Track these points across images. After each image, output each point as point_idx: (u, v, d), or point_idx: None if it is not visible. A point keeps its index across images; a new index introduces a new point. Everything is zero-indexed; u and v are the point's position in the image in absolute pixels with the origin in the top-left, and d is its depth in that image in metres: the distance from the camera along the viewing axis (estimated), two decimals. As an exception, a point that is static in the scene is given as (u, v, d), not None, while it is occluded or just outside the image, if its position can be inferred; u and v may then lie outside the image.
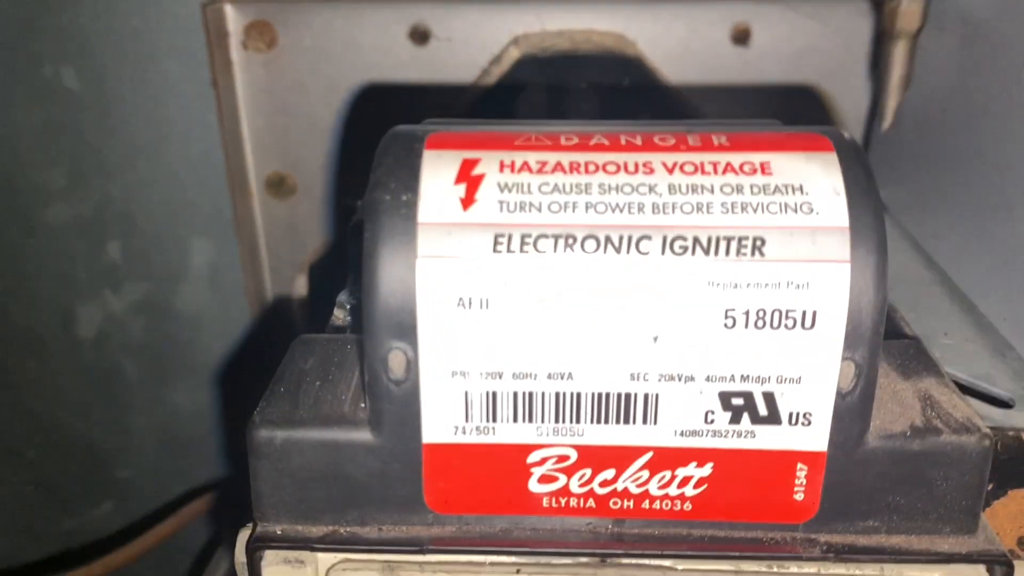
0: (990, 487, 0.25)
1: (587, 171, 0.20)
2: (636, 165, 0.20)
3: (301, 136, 0.50)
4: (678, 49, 0.47)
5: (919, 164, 0.34)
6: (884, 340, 0.20)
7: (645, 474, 0.21)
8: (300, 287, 0.55)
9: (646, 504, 0.21)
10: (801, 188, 0.20)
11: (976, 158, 0.31)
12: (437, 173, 0.20)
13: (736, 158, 0.20)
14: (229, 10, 0.47)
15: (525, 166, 0.20)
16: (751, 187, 0.20)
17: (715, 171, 0.20)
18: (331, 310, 0.28)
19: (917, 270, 0.32)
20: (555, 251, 0.19)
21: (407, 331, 0.19)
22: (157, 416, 0.58)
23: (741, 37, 0.47)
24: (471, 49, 0.48)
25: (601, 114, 0.48)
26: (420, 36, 0.47)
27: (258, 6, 0.47)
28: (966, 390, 0.26)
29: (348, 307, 0.28)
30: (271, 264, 0.54)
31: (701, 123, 0.23)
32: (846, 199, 0.19)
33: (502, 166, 0.20)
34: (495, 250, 0.19)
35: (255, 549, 0.21)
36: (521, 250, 0.19)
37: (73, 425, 0.59)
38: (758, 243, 0.19)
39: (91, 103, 0.50)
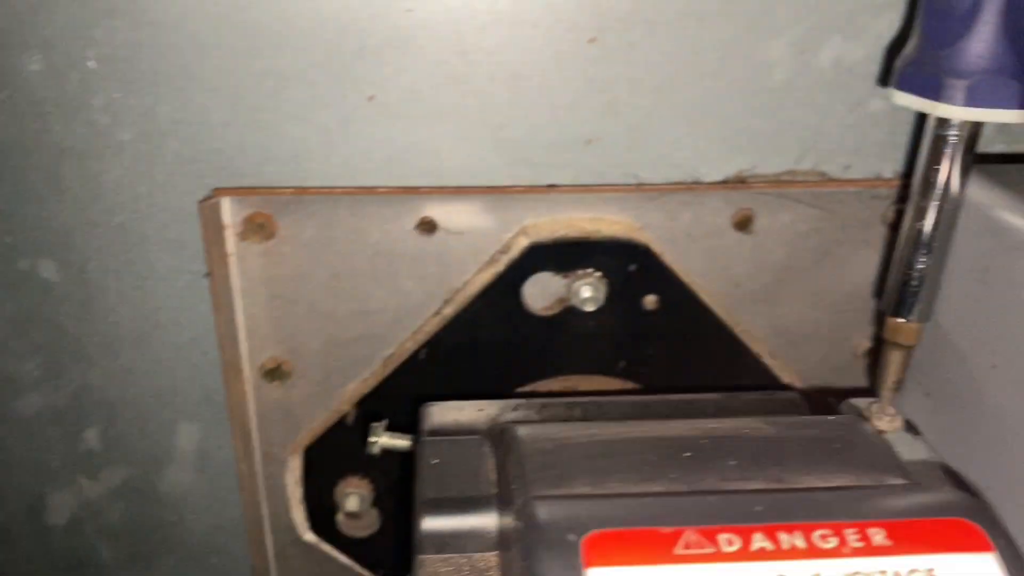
0: None
1: (756, 587, 0.20)
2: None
3: (299, 322, 0.49)
4: (683, 236, 0.48)
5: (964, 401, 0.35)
6: None
7: None
8: (294, 468, 0.53)
9: None
10: (970, 600, 0.20)
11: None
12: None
13: (900, 564, 0.20)
14: (226, 203, 0.45)
15: (693, 586, 0.19)
16: (921, 601, 0.20)
17: (879, 577, 0.20)
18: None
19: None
20: None
21: None
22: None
23: (743, 223, 0.48)
24: (479, 238, 0.47)
25: (608, 297, 0.48)
26: (427, 227, 0.46)
27: (259, 199, 0.45)
28: None
29: None
30: (262, 447, 0.52)
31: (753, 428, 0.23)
32: (1013, 608, 0.20)
33: (670, 589, 0.19)
34: None
35: None
36: None
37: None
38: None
39: (70, 294, 0.47)
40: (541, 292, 0.48)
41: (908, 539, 0.20)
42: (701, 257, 0.48)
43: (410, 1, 0.41)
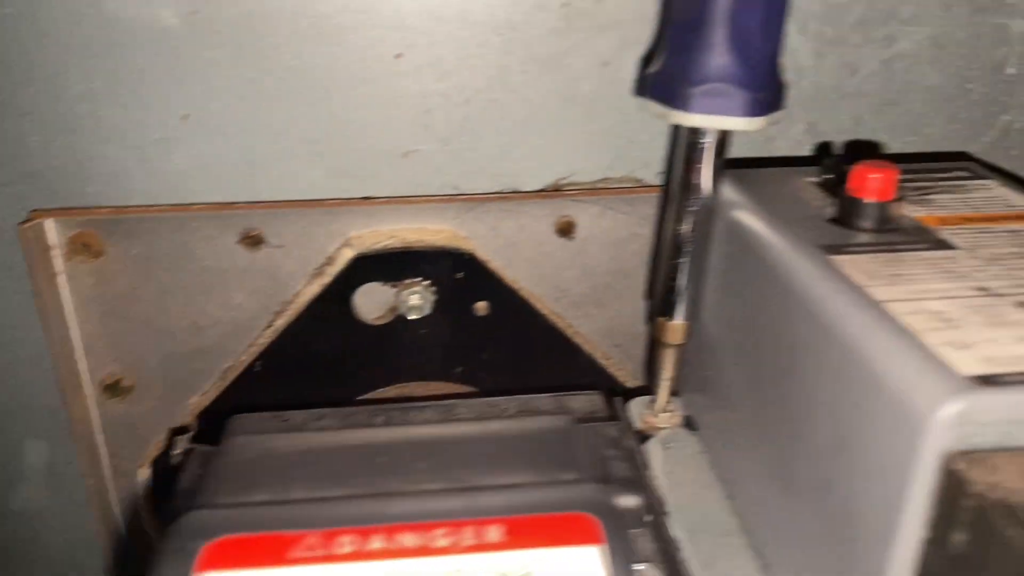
0: None
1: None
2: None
3: (135, 338, 0.49)
4: (507, 243, 0.49)
5: (721, 396, 0.37)
6: None
7: None
8: (144, 480, 0.53)
9: None
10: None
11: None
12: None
13: (506, 560, 0.21)
14: (50, 225, 0.46)
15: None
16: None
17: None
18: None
19: (719, 517, 0.34)
20: None
21: None
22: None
23: (566, 230, 0.49)
24: (304, 251, 0.48)
25: (437, 307, 0.49)
26: (252, 241, 0.47)
27: (82, 219, 0.46)
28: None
29: None
30: (112, 461, 0.53)
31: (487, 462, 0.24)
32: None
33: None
34: None
35: None
36: None
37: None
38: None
39: (-98, 318, 0.47)
40: (371, 302, 0.49)
41: (522, 535, 0.21)
42: (527, 263, 0.50)
43: (218, 23, 0.42)
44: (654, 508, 0.34)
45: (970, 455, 0.22)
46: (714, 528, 0.34)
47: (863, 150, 0.47)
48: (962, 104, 0.48)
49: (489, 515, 0.22)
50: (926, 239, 0.30)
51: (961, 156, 0.48)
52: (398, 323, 0.50)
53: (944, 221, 0.32)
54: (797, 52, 0.46)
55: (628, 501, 0.33)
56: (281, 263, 0.48)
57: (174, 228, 0.47)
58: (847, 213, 0.31)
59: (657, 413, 0.39)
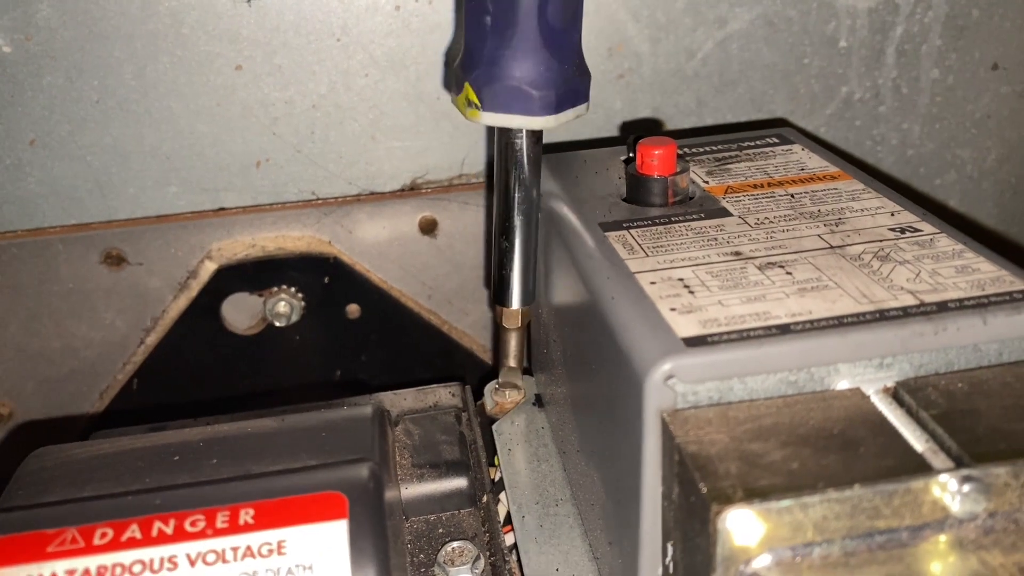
0: None
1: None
2: (162, 561, 0.22)
3: (9, 365, 0.50)
4: (371, 245, 0.50)
5: (552, 369, 0.38)
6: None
7: None
8: None
9: None
10: (311, 568, 0.22)
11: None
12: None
13: (257, 540, 0.22)
14: (-93, 257, 0.46)
15: (52, 581, 0.21)
16: (266, 572, 0.22)
17: (235, 557, 0.22)
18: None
19: (552, 486, 0.35)
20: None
21: None
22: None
23: (428, 228, 0.50)
24: (167, 266, 0.48)
25: (305, 312, 0.50)
26: (114, 260, 0.48)
27: (-60, 248, 0.46)
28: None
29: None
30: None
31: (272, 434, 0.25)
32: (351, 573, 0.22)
33: (31, 584, 0.21)
34: None
35: None
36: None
37: None
38: (273, 627, 0.21)
39: None
40: (240, 312, 0.50)
41: (271, 516, 0.22)
42: (394, 264, 0.51)
43: (52, 48, 0.43)
44: (481, 489, 0.35)
45: (683, 412, 0.23)
46: (546, 499, 0.35)
47: (651, 128, 0.49)
48: (801, 79, 0.50)
49: (245, 500, 0.23)
50: (705, 209, 0.31)
51: (780, 123, 0.49)
52: (270, 331, 0.50)
53: (731, 189, 0.33)
54: (633, 39, 0.47)
55: (455, 483, 0.34)
56: (146, 280, 0.49)
57: (35, 253, 0.47)
58: (634, 190, 0.32)
59: (504, 395, 0.40)
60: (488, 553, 0.32)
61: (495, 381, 0.42)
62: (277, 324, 0.50)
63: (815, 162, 0.35)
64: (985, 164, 0.54)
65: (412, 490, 0.34)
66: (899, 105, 0.51)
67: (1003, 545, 0.20)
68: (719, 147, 0.38)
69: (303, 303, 0.50)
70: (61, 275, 0.48)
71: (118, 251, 0.48)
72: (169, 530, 0.22)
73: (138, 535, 0.22)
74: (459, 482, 0.34)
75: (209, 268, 0.48)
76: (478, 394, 0.44)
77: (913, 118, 0.52)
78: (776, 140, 0.38)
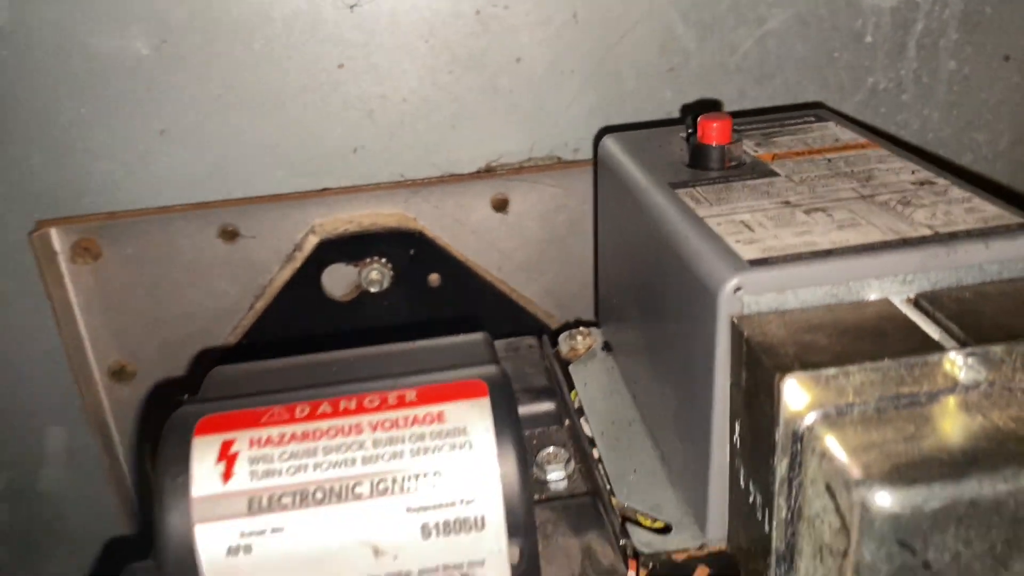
0: (660, 596, 0.34)
1: (315, 438, 0.28)
2: (350, 428, 0.28)
3: (134, 329, 0.57)
4: (451, 221, 0.57)
5: (620, 315, 0.44)
6: (564, 502, 0.29)
7: (390, 644, 0.29)
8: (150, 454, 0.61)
9: (395, 665, 0.29)
10: (465, 430, 0.28)
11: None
12: (203, 457, 0.28)
13: (421, 411, 0.29)
14: (54, 233, 0.53)
15: (269, 440, 0.28)
16: (431, 434, 0.28)
17: (406, 423, 0.28)
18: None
19: (624, 411, 0.42)
20: (294, 505, 0.27)
21: (195, 577, 0.27)
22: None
23: (500, 206, 0.57)
24: (275, 240, 0.55)
25: (393, 281, 0.56)
26: (229, 235, 0.55)
27: (81, 226, 0.54)
28: (636, 521, 0.35)
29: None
30: (123, 440, 0.60)
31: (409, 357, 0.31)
32: (495, 435, 0.28)
33: (251, 443, 0.28)
34: (249, 511, 0.27)
35: None
36: (269, 508, 0.27)
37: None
38: (437, 475, 0.28)
39: (-68, 325, 0.55)
40: (337, 281, 0.57)
41: (430, 396, 0.29)
42: (470, 237, 0.57)
43: (183, 50, 0.50)
44: (566, 411, 0.41)
45: (749, 317, 0.29)
46: (620, 420, 0.41)
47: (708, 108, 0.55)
48: (831, 71, 0.56)
49: (407, 387, 0.29)
50: (757, 171, 0.38)
51: (817, 105, 0.55)
52: (363, 298, 0.57)
53: (777, 156, 0.39)
54: (682, 38, 0.54)
55: (544, 407, 0.41)
56: (256, 252, 0.56)
57: (160, 228, 0.54)
58: (696, 157, 0.39)
59: (577, 340, 0.47)
60: (577, 459, 0.38)
61: (568, 331, 0.48)
62: (371, 290, 0.56)
63: (847, 135, 0.41)
64: (999, 146, 0.60)
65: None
66: (920, 93, 0.57)
67: (999, 405, 0.26)
68: (764, 124, 0.44)
69: (392, 273, 0.56)
70: (182, 248, 0.55)
71: (233, 227, 0.55)
72: (352, 406, 0.29)
73: (328, 409, 0.28)
74: (547, 405, 0.41)
75: (312, 241, 0.55)
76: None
77: (932, 105, 0.58)
78: (813, 118, 0.45)
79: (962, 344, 0.27)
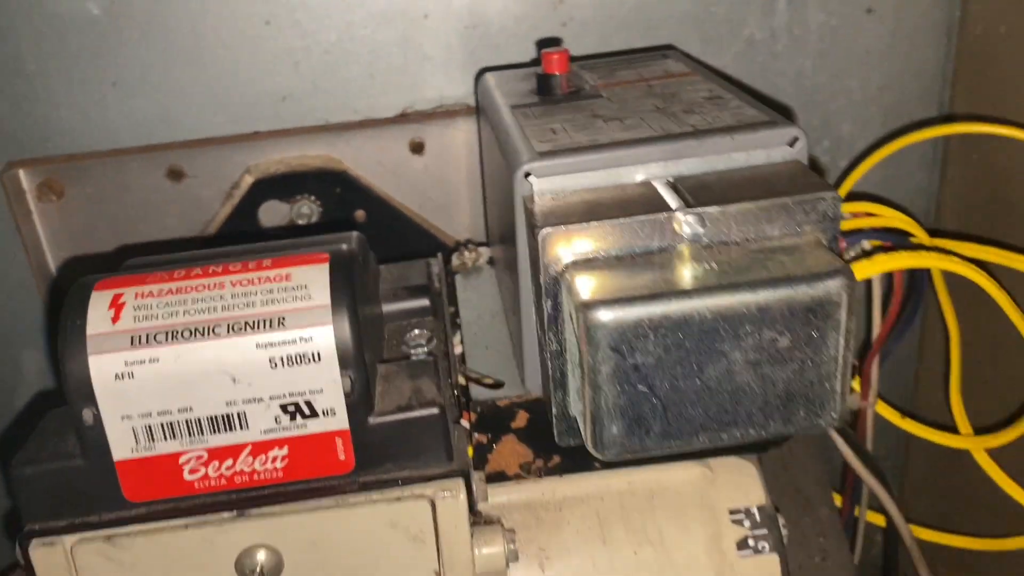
0: (488, 436, 0.41)
1: (186, 291, 0.35)
2: (214, 285, 0.36)
3: (96, 260, 0.64)
4: (373, 162, 0.64)
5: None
6: (411, 361, 0.36)
7: (251, 458, 0.36)
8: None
9: (256, 476, 0.36)
10: (306, 286, 0.36)
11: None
12: (97, 305, 0.35)
13: (274, 272, 0.36)
14: (22, 173, 0.61)
15: (150, 294, 0.35)
16: (278, 289, 0.35)
17: (260, 281, 0.36)
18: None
19: (493, 308, 0.49)
20: (167, 340, 0.34)
21: (90, 399, 0.34)
22: None
23: (417, 148, 0.64)
24: (216, 180, 0.63)
25: (322, 215, 0.64)
26: (176, 175, 0.62)
27: (46, 167, 0.61)
28: (480, 382, 0.42)
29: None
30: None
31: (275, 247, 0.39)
32: (330, 290, 0.35)
33: (136, 295, 0.35)
34: (132, 345, 0.34)
35: (24, 540, 0.35)
36: (147, 343, 0.34)
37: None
38: (282, 319, 0.35)
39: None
40: (272, 217, 0.64)
41: (282, 263, 0.36)
42: (392, 177, 0.64)
43: (130, 10, 0.58)
44: (439, 306, 0.48)
45: (536, 196, 0.36)
46: (486, 315, 0.48)
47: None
48: (710, 25, 0.63)
49: (266, 257, 0.37)
50: (586, 95, 0.45)
51: (669, 47, 0.62)
52: (294, 232, 0.64)
53: (610, 84, 0.46)
54: (570, -7, 0.61)
55: (420, 303, 0.48)
56: (199, 191, 0.63)
57: (115, 170, 0.62)
58: (540, 85, 0.46)
59: (464, 255, 0.54)
60: (440, 340, 0.46)
61: (458, 248, 0.56)
62: (299, 223, 0.64)
63: (678, 68, 0.48)
64: (869, 92, 0.66)
65: (388, 307, 0.47)
66: (792, 44, 0.64)
67: (715, 253, 0.33)
68: (616, 61, 0.51)
69: (320, 208, 0.64)
70: (134, 187, 0.63)
71: (179, 168, 0.62)
72: (219, 270, 0.36)
73: (199, 272, 0.36)
74: (423, 301, 0.48)
75: (248, 181, 0.63)
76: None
77: (805, 55, 0.65)
78: (661, 57, 0.52)
79: (688, 205, 0.34)
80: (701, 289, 0.31)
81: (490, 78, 0.51)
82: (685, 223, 0.33)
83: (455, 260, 0.56)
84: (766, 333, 0.31)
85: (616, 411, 0.31)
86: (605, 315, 0.30)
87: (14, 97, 0.59)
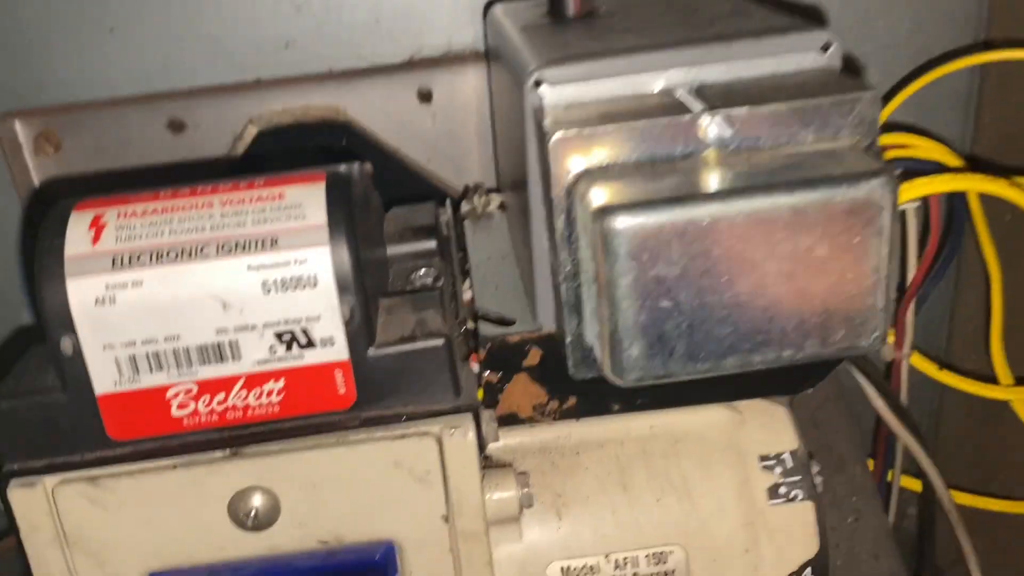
0: (499, 375, 0.38)
1: (172, 211, 0.33)
2: (202, 204, 0.33)
3: (96, 217, 0.62)
4: (379, 112, 0.61)
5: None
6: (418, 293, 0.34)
7: (244, 392, 0.34)
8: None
9: (250, 412, 0.34)
10: (300, 204, 0.33)
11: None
12: (77, 225, 0.33)
13: (266, 192, 0.33)
14: (18, 124, 0.59)
15: (133, 214, 0.33)
16: (271, 208, 0.33)
17: (251, 201, 0.33)
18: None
19: (503, 250, 0.46)
20: (151, 262, 0.32)
21: (69, 327, 0.32)
22: None
23: (425, 97, 0.61)
24: (218, 132, 0.60)
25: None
26: (176, 126, 0.60)
27: (43, 118, 0.59)
28: (488, 318, 0.39)
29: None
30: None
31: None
32: (326, 209, 0.33)
33: (119, 215, 0.33)
34: (113, 267, 0.32)
35: (2, 481, 0.33)
36: (130, 265, 0.32)
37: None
38: (274, 240, 0.32)
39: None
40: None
41: (276, 183, 0.34)
42: (397, 128, 0.62)
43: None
44: (448, 253, 0.46)
45: (548, 108, 0.33)
46: (496, 256, 0.46)
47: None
48: (732, -39, 0.60)
49: (259, 177, 0.34)
50: (601, 15, 0.42)
51: None
52: (300, 185, 0.62)
53: (626, 3, 0.43)
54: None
55: (427, 245, 0.45)
56: (200, 142, 0.61)
57: (114, 121, 0.60)
58: (552, 6, 0.43)
59: (474, 201, 0.51)
60: (448, 280, 0.43)
61: (468, 194, 0.53)
62: (305, 176, 0.61)
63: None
64: (899, 35, 0.63)
65: (393, 249, 0.45)
66: (819, -17, 0.61)
67: (745, 159, 0.30)
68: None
69: (326, 160, 0.61)
70: (133, 138, 0.60)
71: (180, 119, 0.60)
72: (208, 189, 0.34)
73: (187, 192, 0.33)
74: (430, 243, 0.45)
75: (251, 132, 0.60)
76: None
77: (832, -6, 0.61)
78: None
79: (712, 108, 0.31)
80: (730, 191, 0.28)
81: (498, 9, 0.48)
82: (711, 126, 0.30)
83: (464, 206, 0.53)
84: (802, 240, 0.28)
85: (637, 329, 0.29)
86: (623, 221, 0.28)
87: (8, 45, 0.57)
